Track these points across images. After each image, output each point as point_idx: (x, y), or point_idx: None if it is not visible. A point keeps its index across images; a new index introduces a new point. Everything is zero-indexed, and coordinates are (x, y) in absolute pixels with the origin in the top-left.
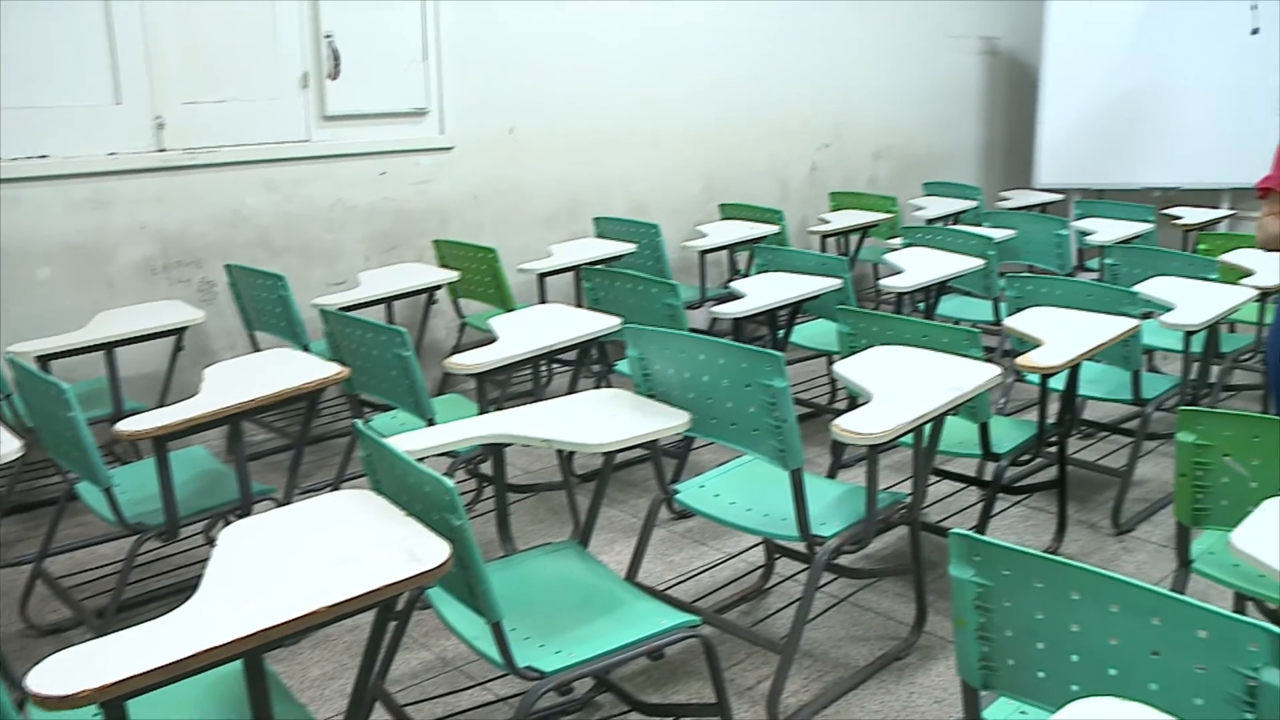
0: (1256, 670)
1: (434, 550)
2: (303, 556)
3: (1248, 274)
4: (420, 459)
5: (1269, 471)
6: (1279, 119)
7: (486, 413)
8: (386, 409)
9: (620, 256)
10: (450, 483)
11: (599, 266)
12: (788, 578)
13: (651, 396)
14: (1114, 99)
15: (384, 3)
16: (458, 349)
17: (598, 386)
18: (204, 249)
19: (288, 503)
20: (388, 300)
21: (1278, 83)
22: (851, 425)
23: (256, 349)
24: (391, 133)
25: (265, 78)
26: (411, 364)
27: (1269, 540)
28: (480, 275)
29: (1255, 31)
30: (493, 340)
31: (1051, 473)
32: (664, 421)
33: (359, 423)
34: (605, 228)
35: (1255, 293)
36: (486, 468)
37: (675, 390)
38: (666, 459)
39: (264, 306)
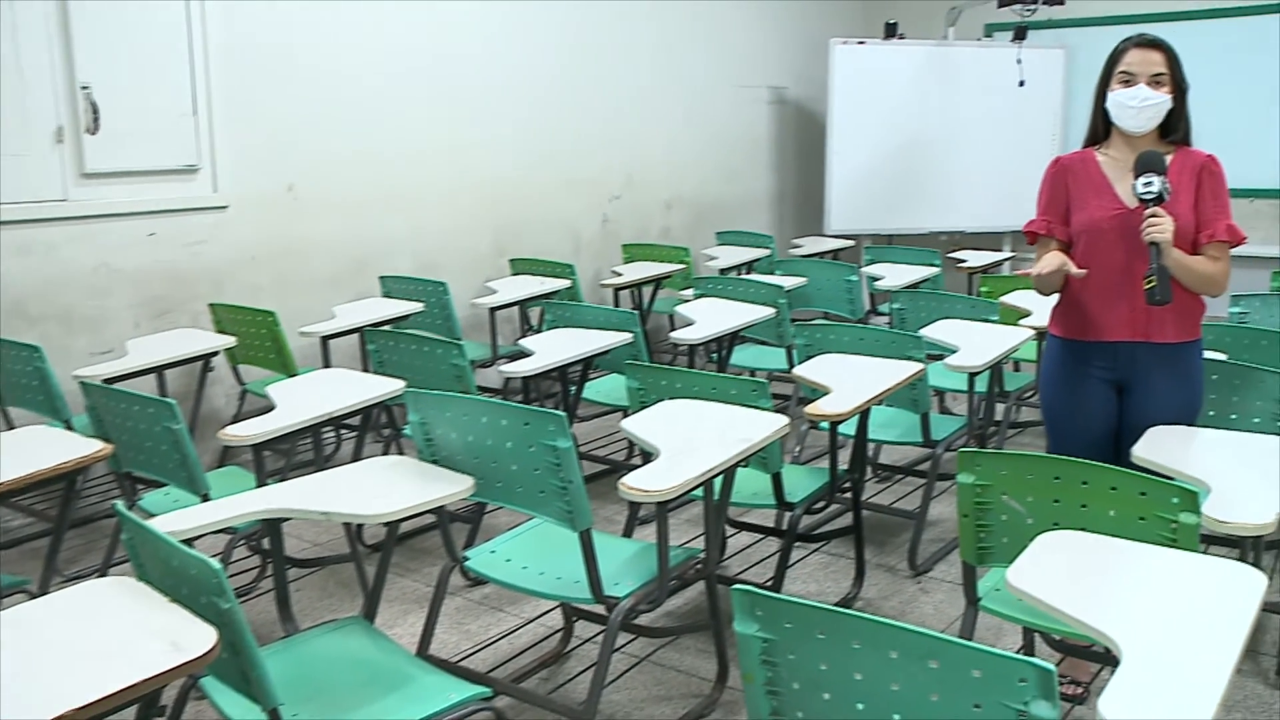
0: (1027, 704)
1: (199, 637)
2: (51, 654)
3: (1026, 314)
4: (192, 538)
5: (1043, 507)
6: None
7: (265, 485)
8: (160, 485)
9: (407, 316)
10: (216, 564)
11: (384, 327)
12: (587, 640)
13: (435, 462)
14: (900, 146)
15: (147, 52)
16: (238, 418)
17: (386, 452)
18: None
19: (44, 594)
20: (159, 369)
21: (1048, 129)
22: (638, 483)
23: (11, 426)
24: (160, 191)
25: (13, 131)
26: (182, 437)
27: (1042, 575)
28: (260, 340)
29: (1022, 84)
30: (273, 408)
31: (849, 518)
32: (446, 488)
33: (119, 504)
34: (392, 287)
35: (1032, 333)
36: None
37: (459, 454)
38: (460, 524)
39: (18, 380)
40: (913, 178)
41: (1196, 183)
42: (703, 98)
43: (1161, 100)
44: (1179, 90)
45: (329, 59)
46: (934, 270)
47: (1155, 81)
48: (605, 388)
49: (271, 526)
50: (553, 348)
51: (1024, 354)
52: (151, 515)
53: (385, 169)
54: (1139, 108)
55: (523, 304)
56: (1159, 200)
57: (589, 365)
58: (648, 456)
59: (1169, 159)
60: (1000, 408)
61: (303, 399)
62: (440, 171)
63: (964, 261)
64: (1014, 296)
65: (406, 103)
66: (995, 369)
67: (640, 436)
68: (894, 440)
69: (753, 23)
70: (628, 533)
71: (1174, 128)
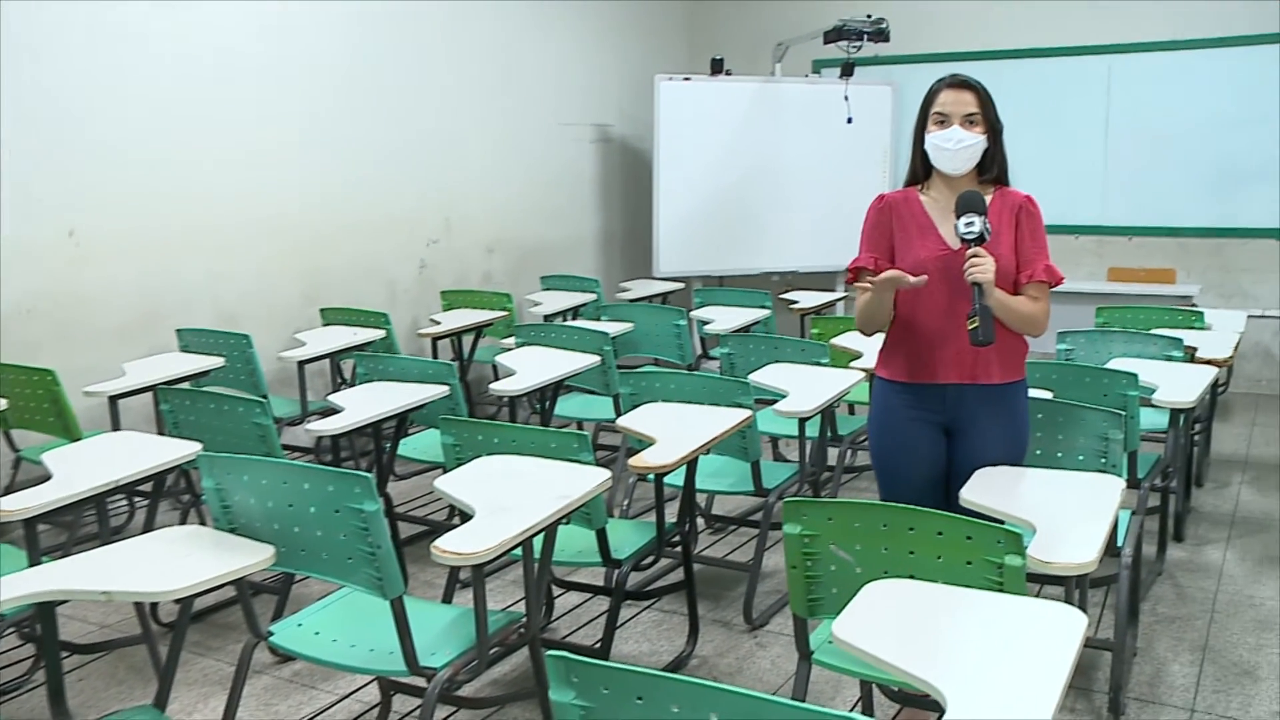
0: None
1: None
2: None
3: (857, 356)
4: None
5: (872, 556)
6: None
7: (40, 563)
8: None
9: (207, 372)
10: None
11: (181, 385)
12: (407, 715)
13: (233, 530)
14: (730, 184)
15: None
16: (11, 489)
17: (184, 521)
18: None
19: None
20: None
21: (877, 165)
22: (451, 545)
23: None
24: None
25: None
26: None
27: (868, 625)
28: (37, 401)
29: (850, 120)
30: (50, 477)
31: (681, 573)
32: (243, 559)
33: None
34: (189, 340)
35: (863, 375)
36: None
37: (259, 521)
38: (267, 595)
39: None
40: (743, 217)
41: (1015, 223)
42: (524, 136)
43: (976, 141)
44: (993, 130)
45: (114, 87)
46: (765, 312)
47: (969, 121)
48: (423, 444)
49: (44, 610)
50: (365, 403)
51: (858, 396)
52: None
53: (181, 210)
54: (954, 150)
55: (334, 356)
56: (980, 240)
57: (404, 421)
58: (467, 517)
59: (988, 199)
60: (834, 452)
61: (86, 466)
62: (242, 214)
63: (796, 303)
64: (845, 338)
65: (204, 136)
66: (827, 413)
67: (455, 496)
68: (726, 490)
69: (574, 58)
70: (447, 598)
71: (988, 167)
